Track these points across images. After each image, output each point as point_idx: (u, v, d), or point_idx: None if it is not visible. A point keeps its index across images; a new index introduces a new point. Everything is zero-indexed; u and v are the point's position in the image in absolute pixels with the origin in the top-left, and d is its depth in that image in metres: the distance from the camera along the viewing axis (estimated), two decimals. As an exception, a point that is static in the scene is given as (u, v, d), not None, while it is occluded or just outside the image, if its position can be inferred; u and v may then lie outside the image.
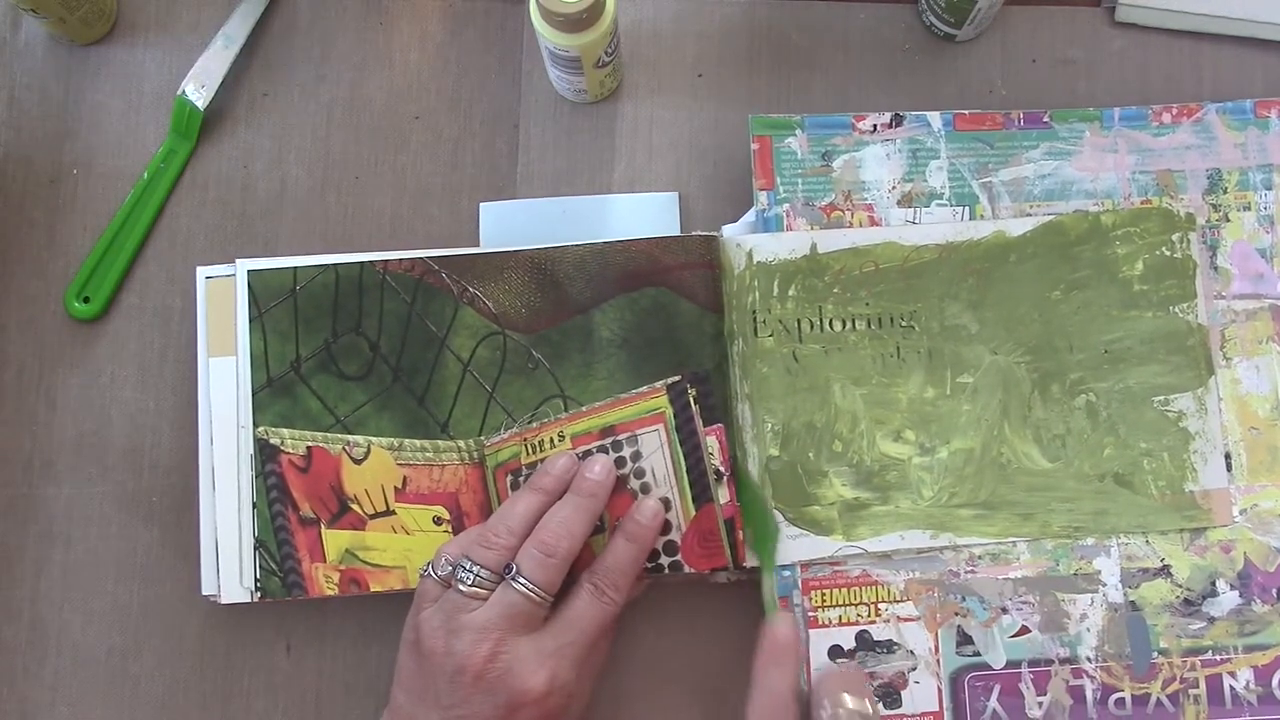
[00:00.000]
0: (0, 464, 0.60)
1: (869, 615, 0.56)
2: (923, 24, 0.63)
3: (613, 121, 0.63)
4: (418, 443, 0.57)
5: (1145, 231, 0.59)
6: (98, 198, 0.62)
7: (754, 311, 0.58)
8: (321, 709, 0.59)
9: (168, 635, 0.59)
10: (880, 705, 0.55)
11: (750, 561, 0.56)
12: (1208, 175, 0.60)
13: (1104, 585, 0.56)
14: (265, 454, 0.57)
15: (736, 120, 0.62)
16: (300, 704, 0.59)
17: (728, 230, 0.59)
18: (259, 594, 0.56)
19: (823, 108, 0.62)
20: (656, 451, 0.55)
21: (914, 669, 0.56)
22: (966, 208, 0.59)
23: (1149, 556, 0.57)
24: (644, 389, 0.56)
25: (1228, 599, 0.57)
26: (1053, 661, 0.56)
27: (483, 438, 0.57)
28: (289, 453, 0.57)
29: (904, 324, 0.58)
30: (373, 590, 0.56)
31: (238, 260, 0.58)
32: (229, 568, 0.56)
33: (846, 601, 0.56)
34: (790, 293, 0.58)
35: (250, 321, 0.58)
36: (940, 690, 0.56)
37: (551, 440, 0.56)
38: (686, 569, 0.55)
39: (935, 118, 0.60)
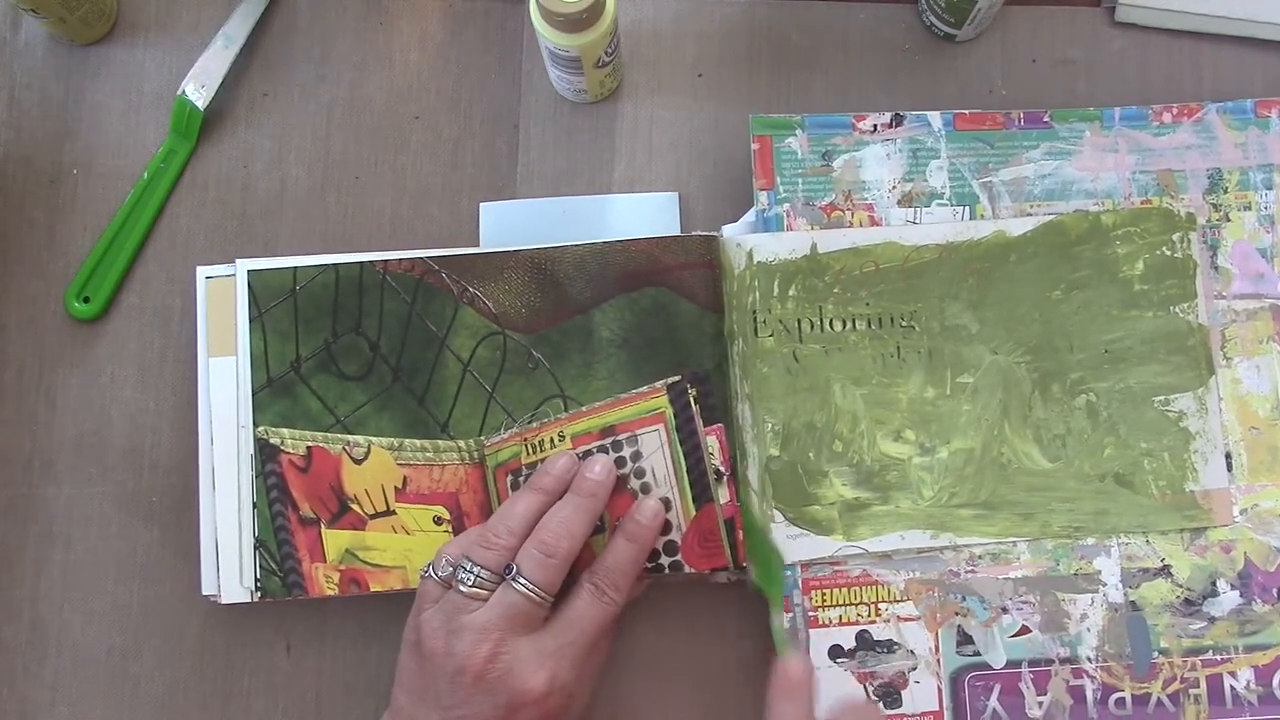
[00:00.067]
0: (0, 464, 0.60)
1: (869, 615, 0.56)
2: (923, 24, 0.63)
3: (613, 121, 0.63)
4: (418, 443, 0.57)
5: (1146, 231, 0.59)
6: (98, 198, 0.62)
7: (754, 311, 0.58)
8: (321, 709, 0.59)
9: (168, 635, 0.59)
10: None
11: (752, 566, 0.56)
12: (1208, 175, 0.60)
13: (1104, 585, 0.56)
14: (265, 454, 0.57)
15: (736, 120, 0.62)
16: (300, 704, 0.59)
17: (728, 230, 0.59)
18: (259, 594, 0.56)
19: (823, 108, 0.62)
20: (657, 451, 0.55)
21: (914, 669, 0.56)
22: (967, 207, 0.59)
23: (1149, 556, 0.57)
24: (644, 389, 0.56)
25: (1228, 599, 0.57)
26: (1053, 661, 0.56)
27: (483, 438, 0.57)
28: (289, 453, 0.57)
29: (904, 324, 0.58)
30: (373, 590, 0.56)
31: (238, 260, 0.58)
32: (229, 568, 0.56)
33: (847, 601, 0.56)
34: (790, 293, 0.58)
35: (250, 321, 0.58)
36: (940, 690, 0.56)
37: (551, 440, 0.56)
38: (686, 569, 0.55)
39: (935, 118, 0.60)
